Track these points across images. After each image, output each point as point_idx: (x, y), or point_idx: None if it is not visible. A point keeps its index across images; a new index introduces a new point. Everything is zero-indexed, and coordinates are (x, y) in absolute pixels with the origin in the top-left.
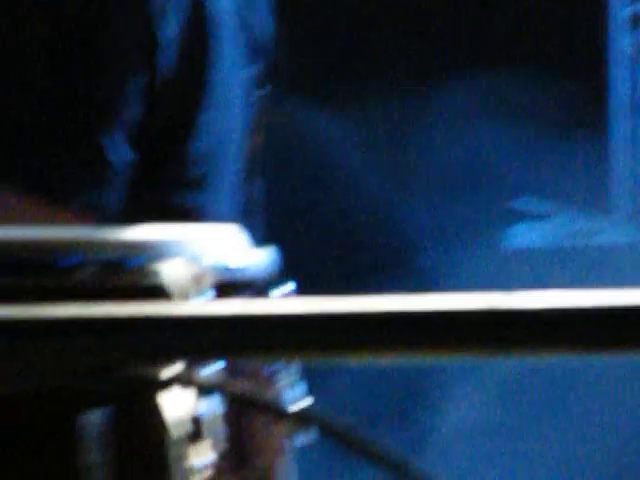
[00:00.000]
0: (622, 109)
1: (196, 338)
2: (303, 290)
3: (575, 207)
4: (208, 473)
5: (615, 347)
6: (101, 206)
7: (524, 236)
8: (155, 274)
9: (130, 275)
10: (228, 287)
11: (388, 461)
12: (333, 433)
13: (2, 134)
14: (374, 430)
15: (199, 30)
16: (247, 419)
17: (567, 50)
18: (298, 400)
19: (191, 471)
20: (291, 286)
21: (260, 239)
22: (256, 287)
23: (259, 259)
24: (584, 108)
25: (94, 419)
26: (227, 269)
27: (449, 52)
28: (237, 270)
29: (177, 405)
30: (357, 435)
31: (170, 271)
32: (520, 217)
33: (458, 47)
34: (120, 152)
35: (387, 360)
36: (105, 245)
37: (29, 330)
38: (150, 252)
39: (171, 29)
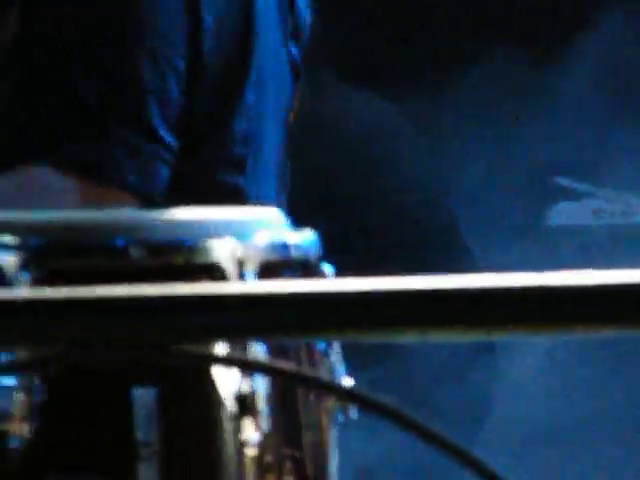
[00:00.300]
0: None
1: (247, 317)
2: (344, 272)
3: (616, 186)
4: (258, 448)
5: None
6: (145, 187)
7: (568, 214)
8: (207, 253)
9: (182, 254)
10: (274, 266)
11: (432, 438)
12: (378, 409)
13: (50, 114)
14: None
15: (241, 13)
16: (297, 396)
17: None
18: (341, 378)
19: (243, 445)
20: (330, 268)
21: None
22: (300, 267)
23: (301, 240)
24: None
25: (149, 394)
26: (273, 249)
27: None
28: (283, 250)
29: (227, 382)
30: (401, 412)
31: (221, 250)
32: (564, 195)
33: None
34: (164, 133)
35: (438, 338)
36: (155, 226)
37: (86, 310)
38: (199, 232)
39: (214, 12)
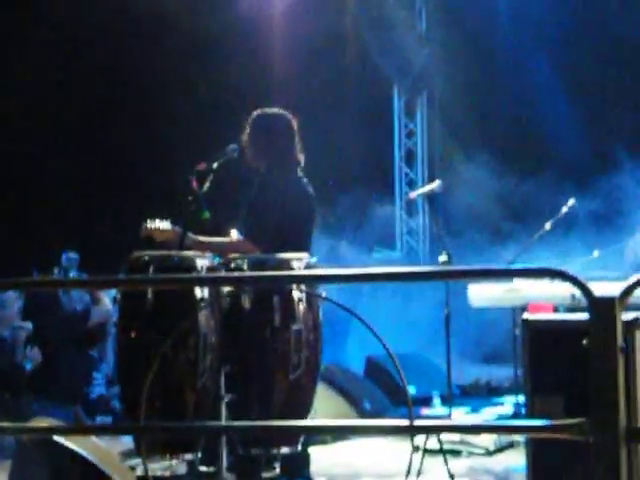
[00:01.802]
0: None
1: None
2: None
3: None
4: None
5: None
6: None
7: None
8: (289, 264)
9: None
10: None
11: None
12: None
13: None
14: None
15: None
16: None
17: None
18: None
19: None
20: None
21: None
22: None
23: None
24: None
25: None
26: (308, 266)
27: None
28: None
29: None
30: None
31: (298, 263)
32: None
33: None
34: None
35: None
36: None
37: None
38: (286, 259)
39: None
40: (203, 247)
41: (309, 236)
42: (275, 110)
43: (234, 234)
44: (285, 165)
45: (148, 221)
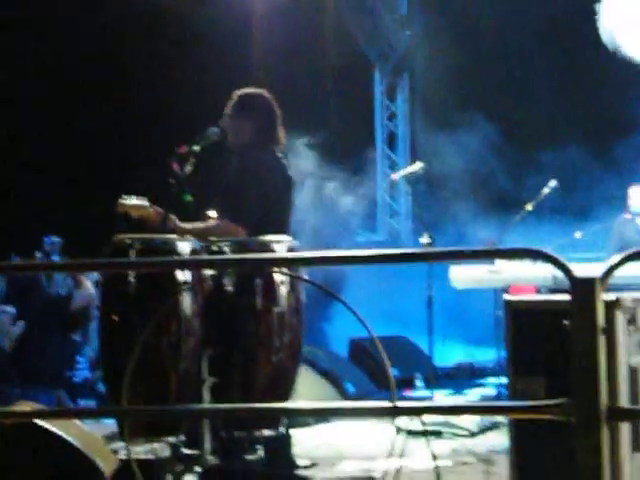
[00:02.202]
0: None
1: (285, 261)
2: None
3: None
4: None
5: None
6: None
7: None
8: (271, 247)
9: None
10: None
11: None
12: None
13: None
14: None
15: None
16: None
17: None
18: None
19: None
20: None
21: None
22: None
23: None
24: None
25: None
26: (293, 247)
27: None
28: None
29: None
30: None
31: (280, 246)
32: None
33: None
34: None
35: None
36: (244, 241)
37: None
38: (268, 241)
39: None
40: (185, 233)
41: (288, 217)
42: (256, 90)
43: (212, 215)
44: (265, 145)
45: (124, 197)
